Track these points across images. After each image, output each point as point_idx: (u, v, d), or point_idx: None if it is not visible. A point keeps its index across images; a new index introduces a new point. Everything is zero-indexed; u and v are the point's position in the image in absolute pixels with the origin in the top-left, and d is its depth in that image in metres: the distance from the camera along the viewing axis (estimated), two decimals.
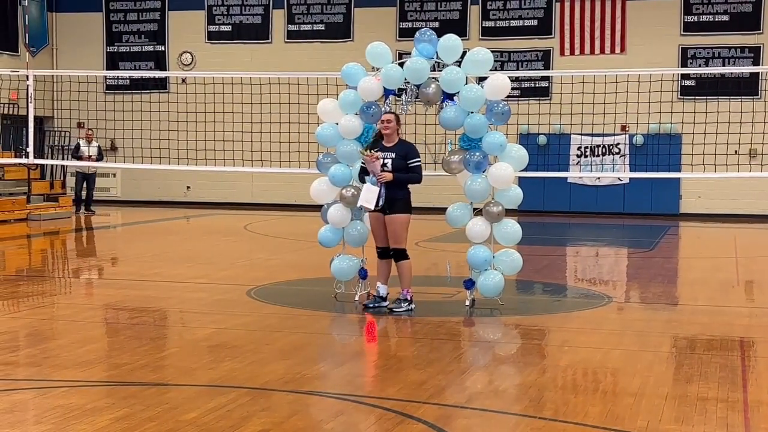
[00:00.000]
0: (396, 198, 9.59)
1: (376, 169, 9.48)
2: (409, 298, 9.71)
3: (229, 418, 5.86)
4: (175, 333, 9.10)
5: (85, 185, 22.42)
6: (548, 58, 24.09)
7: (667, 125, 22.11)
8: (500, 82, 9.94)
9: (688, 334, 9.03)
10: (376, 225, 9.77)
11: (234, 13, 25.80)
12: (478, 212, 10.03)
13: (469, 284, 10.00)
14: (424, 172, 9.83)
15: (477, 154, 9.79)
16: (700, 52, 23.36)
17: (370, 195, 9.57)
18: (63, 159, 23.27)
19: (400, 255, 9.71)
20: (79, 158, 21.43)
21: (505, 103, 9.93)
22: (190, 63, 26.02)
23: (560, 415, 6.07)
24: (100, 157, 21.97)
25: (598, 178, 23.58)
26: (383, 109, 10.03)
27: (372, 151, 9.55)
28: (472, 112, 9.79)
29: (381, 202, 9.55)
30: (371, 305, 9.80)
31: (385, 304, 9.77)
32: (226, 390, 6.53)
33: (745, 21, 23.14)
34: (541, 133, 22.76)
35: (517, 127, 21.62)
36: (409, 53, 10.14)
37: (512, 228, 10.05)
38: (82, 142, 22.11)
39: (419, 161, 9.69)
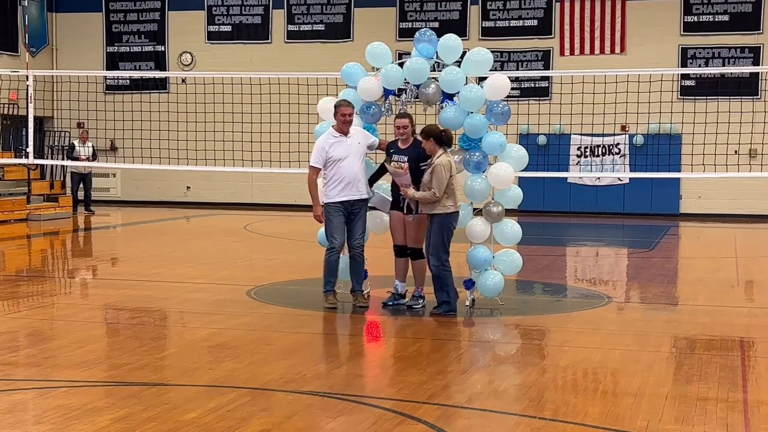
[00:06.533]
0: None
1: (407, 181, 9.43)
2: (423, 296, 9.83)
3: (229, 418, 5.86)
4: (175, 333, 9.10)
5: (82, 186, 22.39)
6: (548, 58, 24.08)
7: (667, 125, 22.10)
8: (500, 82, 9.95)
9: (688, 334, 9.03)
10: (396, 223, 9.83)
11: (234, 13, 25.78)
12: (478, 212, 10.03)
13: (469, 284, 10.00)
14: None
15: (477, 154, 9.79)
16: (700, 52, 23.34)
17: (385, 207, 9.91)
18: (63, 159, 23.24)
19: (418, 254, 9.79)
20: (76, 159, 21.38)
21: (505, 103, 9.93)
22: (190, 63, 26.01)
23: (560, 415, 6.07)
24: (94, 157, 21.95)
25: (598, 178, 23.56)
26: (383, 109, 10.03)
27: (399, 161, 9.44)
28: (472, 112, 9.80)
29: (408, 204, 9.56)
30: (390, 303, 9.89)
31: (403, 301, 9.85)
32: (226, 390, 6.53)
33: (745, 21, 23.13)
34: (541, 133, 22.75)
35: (517, 127, 21.59)
36: (409, 53, 10.14)
37: (512, 228, 10.06)
38: (77, 143, 22.08)
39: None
